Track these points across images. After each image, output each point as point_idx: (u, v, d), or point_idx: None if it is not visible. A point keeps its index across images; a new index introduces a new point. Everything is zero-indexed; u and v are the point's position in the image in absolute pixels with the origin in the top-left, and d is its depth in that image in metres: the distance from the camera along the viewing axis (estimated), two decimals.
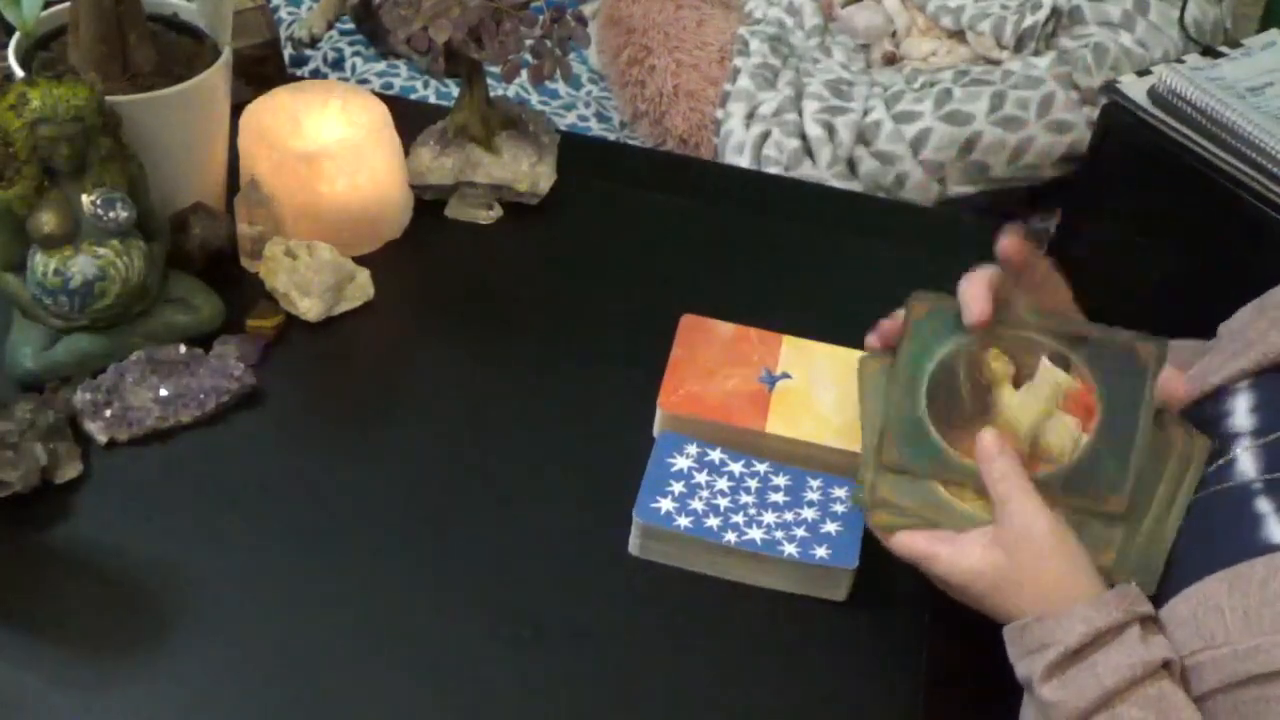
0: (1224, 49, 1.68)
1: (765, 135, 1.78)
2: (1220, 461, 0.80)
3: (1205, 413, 0.84)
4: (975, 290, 0.83)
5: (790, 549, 0.88)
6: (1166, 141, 1.57)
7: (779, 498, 0.92)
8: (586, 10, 2.04)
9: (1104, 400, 0.81)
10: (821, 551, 0.88)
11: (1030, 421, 0.81)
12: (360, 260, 1.10)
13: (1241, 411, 0.82)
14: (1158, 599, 0.76)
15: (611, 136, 1.92)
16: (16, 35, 1.02)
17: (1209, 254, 1.56)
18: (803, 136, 1.78)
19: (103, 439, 0.94)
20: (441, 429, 1.00)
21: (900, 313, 0.86)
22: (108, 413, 0.95)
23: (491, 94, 1.19)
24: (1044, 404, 0.82)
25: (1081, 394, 0.82)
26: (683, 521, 0.89)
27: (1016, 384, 0.83)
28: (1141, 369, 0.82)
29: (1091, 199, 1.74)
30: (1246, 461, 0.79)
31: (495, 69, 1.12)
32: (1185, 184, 1.56)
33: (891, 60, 1.96)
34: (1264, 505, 0.75)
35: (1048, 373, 0.82)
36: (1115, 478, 0.81)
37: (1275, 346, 0.82)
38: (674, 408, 0.97)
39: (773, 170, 1.76)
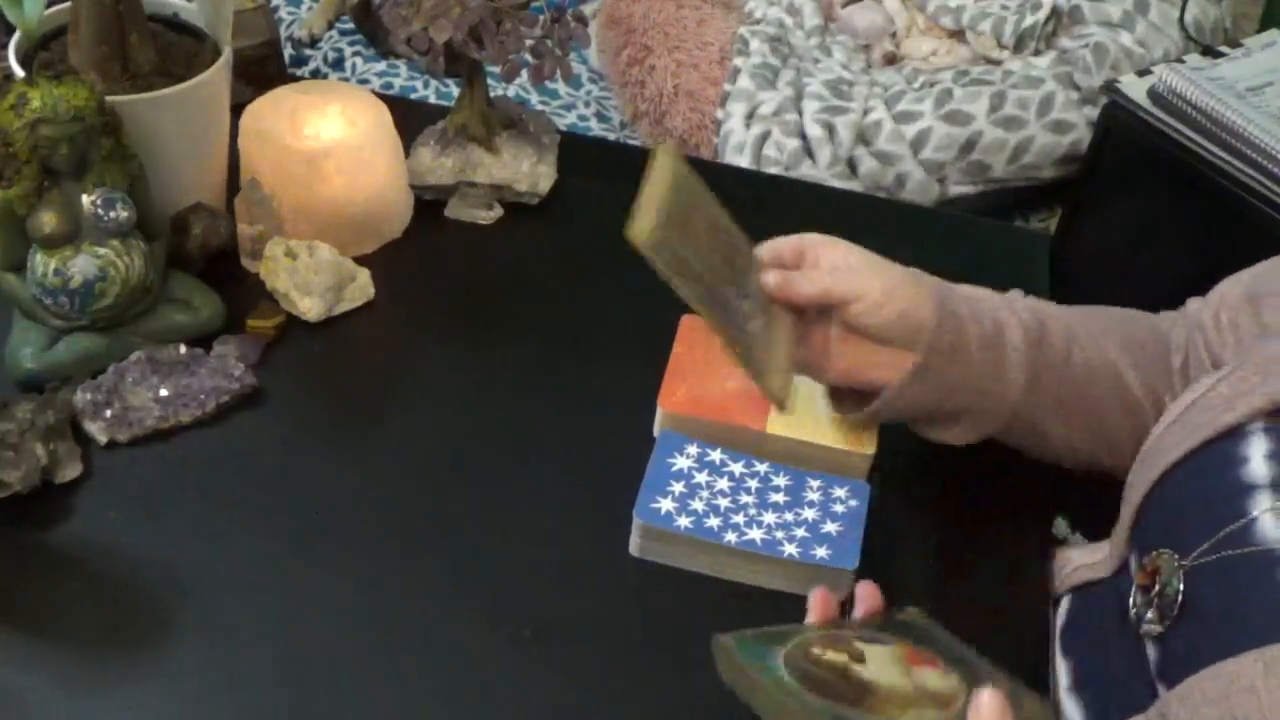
0: (1224, 49, 1.68)
1: (765, 135, 1.78)
2: (1240, 522, 0.74)
3: (1218, 456, 0.78)
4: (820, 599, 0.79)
5: (790, 549, 0.88)
6: (1166, 141, 1.57)
7: (779, 498, 0.92)
8: (586, 10, 2.04)
9: (930, 648, 0.77)
10: (821, 552, 0.88)
11: (907, 683, 0.75)
12: (360, 260, 1.10)
13: (1257, 458, 0.75)
14: (1180, 668, 0.72)
15: (611, 136, 1.92)
16: (16, 35, 1.02)
17: (1209, 254, 1.56)
18: (803, 136, 1.78)
19: (103, 439, 0.95)
20: (441, 429, 1.00)
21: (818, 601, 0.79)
22: (108, 413, 0.95)
23: (491, 94, 1.19)
24: (900, 667, 0.76)
25: (911, 653, 0.77)
26: (683, 522, 0.89)
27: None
28: (924, 625, 0.79)
29: (1091, 199, 1.74)
30: (1269, 524, 0.72)
31: (495, 69, 1.12)
32: (1185, 184, 1.56)
33: (891, 60, 1.96)
34: None
35: (875, 648, 0.77)
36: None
37: None
38: (674, 408, 0.97)
39: (773, 170, 1.76)
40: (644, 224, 0.81)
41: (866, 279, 0.89)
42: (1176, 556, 0.77)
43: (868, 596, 0.80)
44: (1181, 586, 0.75)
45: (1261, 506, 0.73)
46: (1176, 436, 0.81)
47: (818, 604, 0.78)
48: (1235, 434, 0.77)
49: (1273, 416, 0.77)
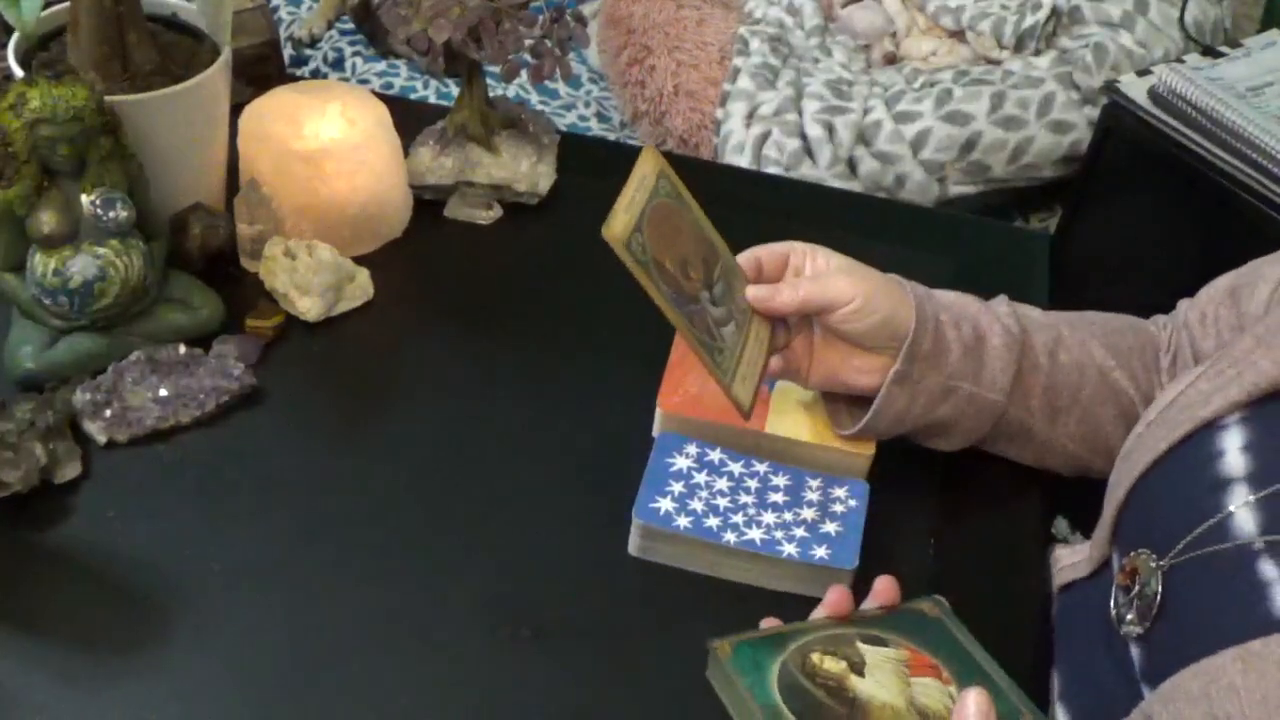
0: (1224, 49, 1.68)
1: (765, 135, 1.79)
2: (1216, 518, 0.74)
3: (1195, 452, 0.78)
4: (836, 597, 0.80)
5: (790, 549, 0.88)
6: (1166, 141, 1.57)
7: (778, 498, 0.92)
8: (586, 10, 2.04)
9: (936, 652, 0.78)
10: (821, 552, 0.88)
11: (903, 698, 0.76)
12: (360, 260, 1.10)
13: (1233, 450, 0.75)
14: (1163, 668, 0.72)
15: (611, 136, 1.92)
16: (16, 35, 1.02)
17: (1209, 254, 1.56)
18: (803, 136, 1.78)
19: (102, 439, 0.95)
20: (441, 429, 1.00)
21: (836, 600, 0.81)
22: (107, 413, 0.95)
23: (491, 94, 1.19)
24: (899, 678, 0.76)
25: (915, 658, 0.77)
26: (682, 521, 0.89)
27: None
28: (936, 619, 0.80)
29: (1091, 199, 1.74)
30: (1244, 518, 0.72)
31: (495, 69, 1.12)
32: (1185, 184, 1.56)
33: (891, 60, 1.96)
34: (1269, 570, 0.69)
35: (877, 652, 0.77)
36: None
37: (1266, 375, 0.76)
38: (674, 408, 0.97)
39: (773, 170, 1.76)
40: (617, 223, 0.83)
41: (848, 285, 0.89)
42: (1155, 557, 0.77)
43: (883, 592, 0.80)
44: (1160, 587, 0.75)
45: (1238, 500, 0.73)
46: (1156, 435, 0.81)
47: (833, 600, 0.79)
48: (1212, 428, 0.78)
49: (1249, 408, 0.77)
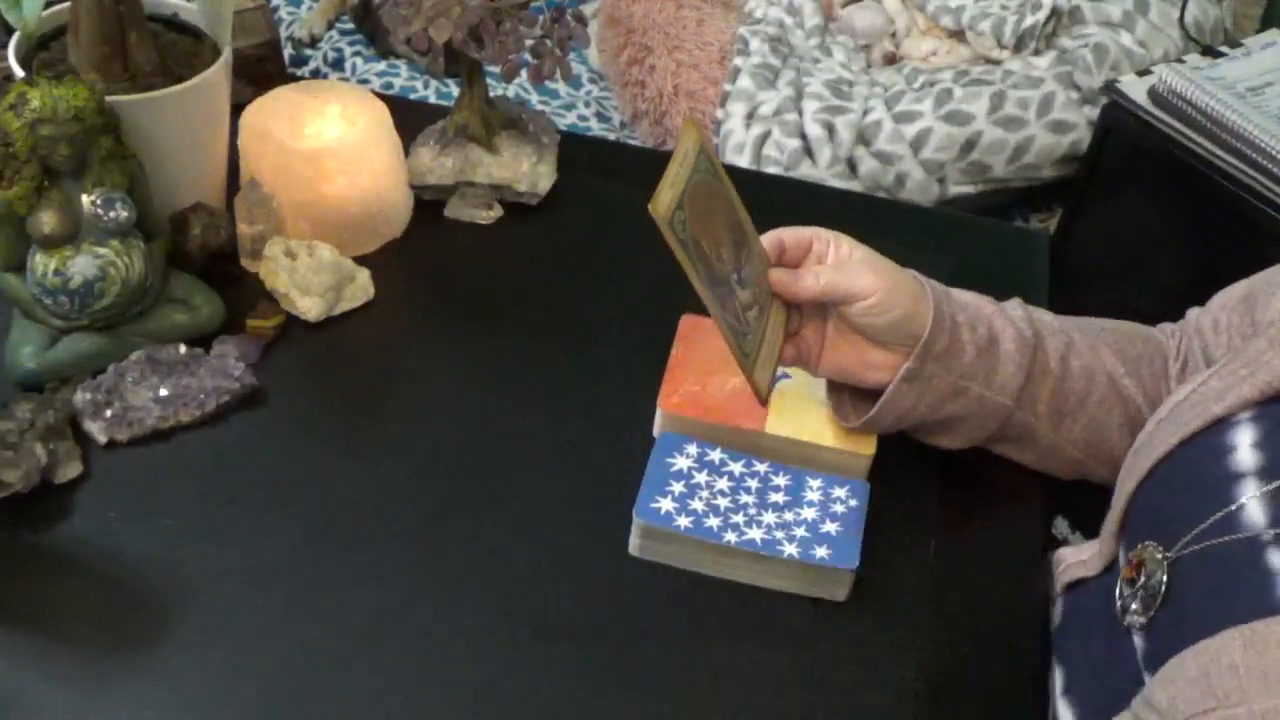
0: (1224, 49, 1.68)
1: (765, 135, 1.79)
2: (1226, 510, 0.74)
3: (1206, 447, 0.78)
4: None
5: (790, 549, 0.88)
6: (1166, 141, 1.57)
7: (779, 498, 0.92)
8: (586, 10, 2.04)
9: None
10: (821, 552, 0.88)
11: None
12: (360, 260, 1.10)
13: (1244, 446, 0.76)
14: (1164, 650, 0.72)
15: (611, 136, 1.92)
16: (16, 35, 1.02)
17: (1208, 254, 1.56)
18: (803, 136, 1.78)
19: (103, 439, 0.95)
20: (441, 429, 1.00)
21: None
22: (108, 413, 0.95)
23: (491, 94, 1.19)
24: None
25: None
26: (683, 521, 0.89)
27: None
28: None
29: (1091, 199, 1.74)
30: (1254, 510, 0.72)
31: (495, 69, 1.12)
32: (1185, 184, 1.56)
33: (891, 60, 1.96)
34: (1277, 561, 0.69)
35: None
36: None
37: (1279, 374, 0.77)
38: (674, 408, 0.97)
39: (773, 170, 1.76)
40: (664, 199, 0.82)
41: (870, 279, 0.89)
42: (1161, 548, 0.77)
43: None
44: (1165, 578, 0.76)
45: (1248, 493, 0.73)
46: (1166, 431, 0.81)
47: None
48: (1224, 424, 0.78)
49: (1261, 406, 0.77)
